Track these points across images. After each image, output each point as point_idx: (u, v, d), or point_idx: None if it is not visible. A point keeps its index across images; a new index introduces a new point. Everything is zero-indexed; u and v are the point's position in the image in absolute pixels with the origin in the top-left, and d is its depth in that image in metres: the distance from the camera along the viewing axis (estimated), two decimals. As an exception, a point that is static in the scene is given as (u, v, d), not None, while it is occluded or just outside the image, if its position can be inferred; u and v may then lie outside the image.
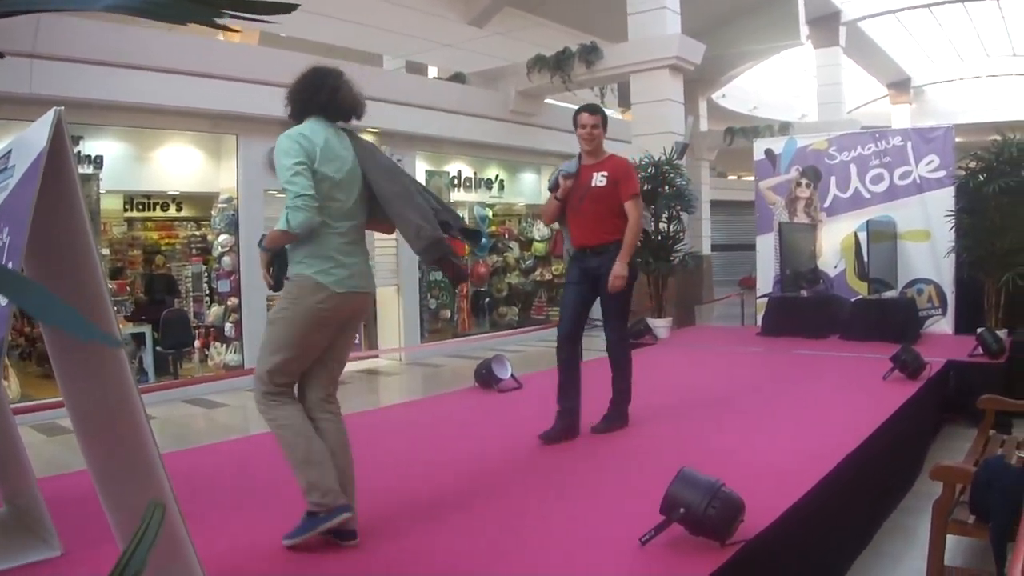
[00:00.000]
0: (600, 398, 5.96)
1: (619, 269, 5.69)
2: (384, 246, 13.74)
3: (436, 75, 18.15)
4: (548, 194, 6.11)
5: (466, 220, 15.80)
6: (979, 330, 8.92)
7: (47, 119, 2.35)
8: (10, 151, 2.73)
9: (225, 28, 1.28)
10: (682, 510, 3.39)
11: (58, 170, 2.32)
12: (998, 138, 10.02)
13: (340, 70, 4.05)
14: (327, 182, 3.74)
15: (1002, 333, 9.32)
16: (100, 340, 0.94)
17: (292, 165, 3.68)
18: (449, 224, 4.01)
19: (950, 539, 4.16)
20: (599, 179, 5.84)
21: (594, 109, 5.96)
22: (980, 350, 8.61)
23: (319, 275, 3.72)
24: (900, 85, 30.46)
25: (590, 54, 14.72)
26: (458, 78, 16.80)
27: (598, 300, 5.96)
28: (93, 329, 0.91)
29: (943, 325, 10.80)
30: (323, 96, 3.92)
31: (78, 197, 2.37)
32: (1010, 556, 3.67)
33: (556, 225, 7.09)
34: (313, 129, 3.84)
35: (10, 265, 2.38)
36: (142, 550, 0.95)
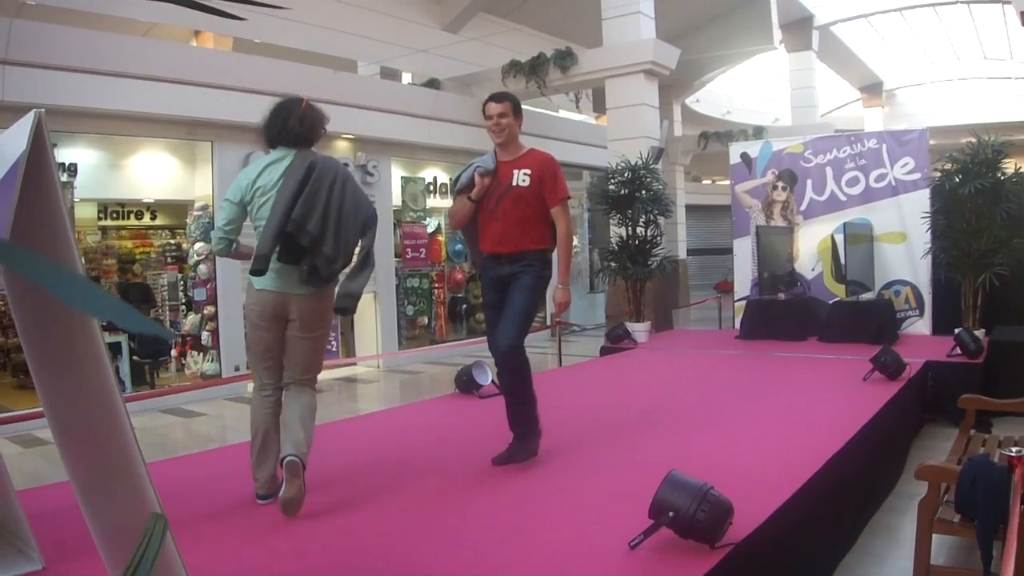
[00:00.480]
0: (573, 403, 5.93)
1: (562, 295, 5.19)
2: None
3: (410, 81, 18.11)
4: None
5: (441, 226, 15.96)
6: (957, 330, 8.97)
7: (26, 122, 2.29)
8: (-14, 157, 2.67)
9: (235, 17, 1.24)
10: (671, 514, 3.37)
11: (39, 174, 2.26)
12: (973, 140, 10.08)
13: (298, 99, 4.62)
14: (256, 205, 4.45)
15: (980, 333, 9.38)
16: (150, 332, 0.90)
17: (223, 200, 4.61)
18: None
19: (935, 538, 4.17)
20: (521, 177, 5.08)
21: (500, 97, 5.19)
22: (958, 350, 8.66)
23: (249, 276, 4.46)
24: (872, 89, 30.65)
25: (565, 59, 14.71)
26: (432, 84, 16.76)
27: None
28: (142, 320, 0.87)
29: (920, 326, 10.86)
30: (275, 130, 4.56)
31: (59, 202, 2.31)
32: (996, 555, 3.68)
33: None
34: (257, 164, 4.55)
35: (-12, 273, 2.33)
36: (145, 564, 0.92)
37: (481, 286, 5.42)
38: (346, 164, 13.18)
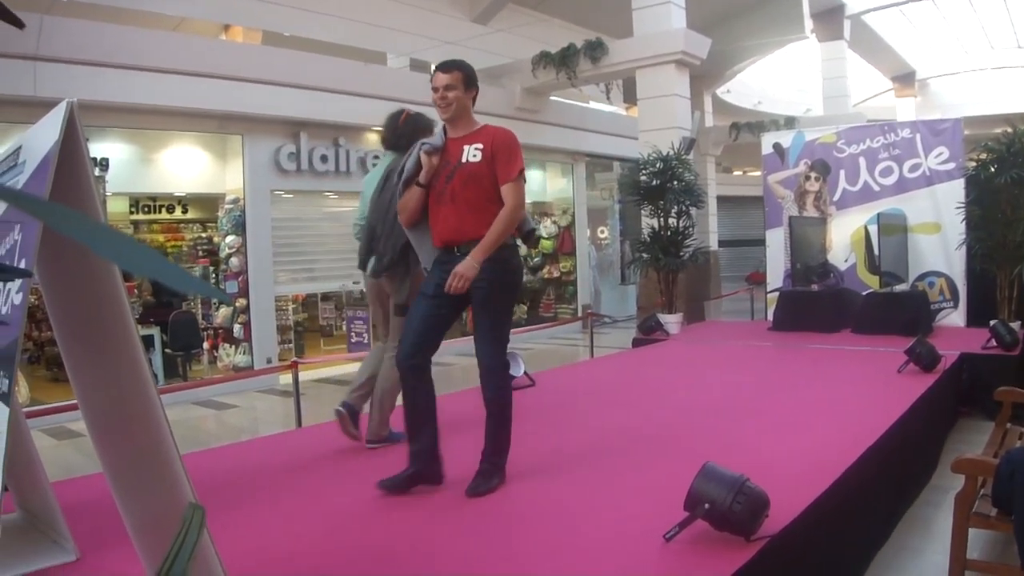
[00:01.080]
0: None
1: (465, 267, 4.26)
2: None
3: (440, 73, 18.10)
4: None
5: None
6: (992, 322, 8.86)
7: (59, 112, 2.29)
8: (19, 147, 2.67)
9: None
10: (707, 505, 3.34)
11: (71, 163, 2.26)
12: (1009, 130, 9.96)
13: (400, 111, 5.55)
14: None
15: (1015, 325, 9.27)
16: (203, 292, 0.88)
17: None
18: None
19: (972, 532, 4.12)
20: (472, 153, 4.43)
21: (449, 66, 4.46)
22: (994, 342, 8.56)
23: None
24: (905, 78, 30.39)
25: (595, 50, 14.66)
26: (462, 75, 16.75)
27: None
28: (193, 280, 0.86)
29: (955, 318, 10.75)
30: (382, 137, 5.68)
31: (92, 191, 2.31)
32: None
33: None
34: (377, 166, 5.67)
35: (23, 264, 2.34)
36: (184, 554, 0.90)
37: (426, 278, 4.58)
38: (376, 156, 13.30)
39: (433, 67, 4.33)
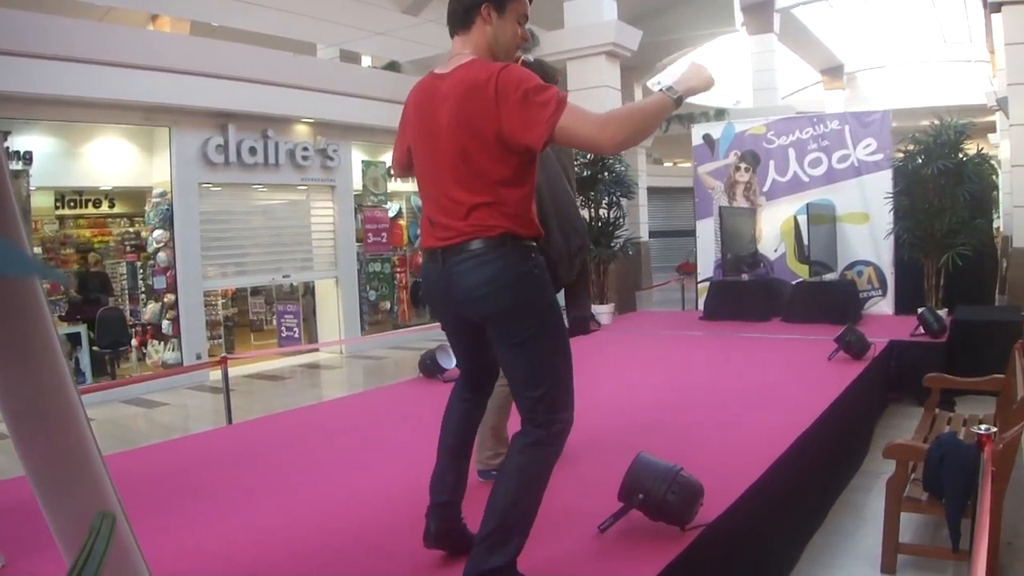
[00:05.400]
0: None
1: None
2: (320, 236, 13.62)
3: (370, 64, 17.96)
4: None
5: (402, 210, 15.88)
6: (920, 310, 9.00)
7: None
8: (-68, 141, 2.58)
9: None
10: (641, 496, 3.34)
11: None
12: (936, 122, 10.12)
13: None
14: None
15: (942, 312, 9.42)
16: (47, 276, 0.81)
17: None
18: None
19: (903, 516, 4.19)
20: None
21: None
22: (921, 330, 8.69)
23: None
24: (833, 71, 30.79)
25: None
26: (392, 67, 16.63)
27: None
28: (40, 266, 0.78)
29: (883, 306, 10.91)
30: None
31: (7, 186, 2.23)
32: (963, 532, 3.69)
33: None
34: None
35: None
36: (91, 566, 0.85)
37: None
38: (305, 148, 13.19)
39: None
